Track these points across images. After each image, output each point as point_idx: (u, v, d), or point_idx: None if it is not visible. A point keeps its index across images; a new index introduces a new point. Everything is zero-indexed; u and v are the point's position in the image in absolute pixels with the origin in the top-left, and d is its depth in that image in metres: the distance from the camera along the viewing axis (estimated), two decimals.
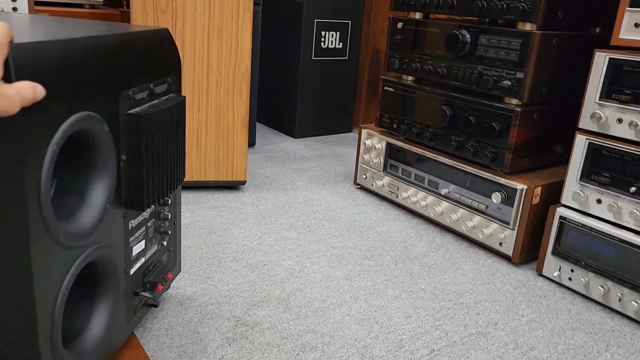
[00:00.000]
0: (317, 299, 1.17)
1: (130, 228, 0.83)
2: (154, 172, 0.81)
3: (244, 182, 1.74)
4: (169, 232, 0.98)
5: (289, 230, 1.50)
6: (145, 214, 0.89)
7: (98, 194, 0.73)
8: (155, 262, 0.96)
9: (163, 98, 0.88)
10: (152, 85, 0.84)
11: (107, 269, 0.78)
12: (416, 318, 1.13)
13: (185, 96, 0.96)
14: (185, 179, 1.67)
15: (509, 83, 1.35)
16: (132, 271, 0.87)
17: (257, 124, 2.57)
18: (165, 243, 0.99)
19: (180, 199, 1.04)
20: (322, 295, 1.18)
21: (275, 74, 2.49)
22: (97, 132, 0.70)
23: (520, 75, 1.32)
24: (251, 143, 2.24)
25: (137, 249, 0.87)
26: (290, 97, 2.43)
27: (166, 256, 1.01)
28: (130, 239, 0.84)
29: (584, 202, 1.24)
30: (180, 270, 1.07)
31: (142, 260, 0.90)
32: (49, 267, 0.62)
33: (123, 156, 0.77)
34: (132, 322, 0.91)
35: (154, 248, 0.94)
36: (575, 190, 1.24)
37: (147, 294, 0.92)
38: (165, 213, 0.96)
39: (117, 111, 0.74)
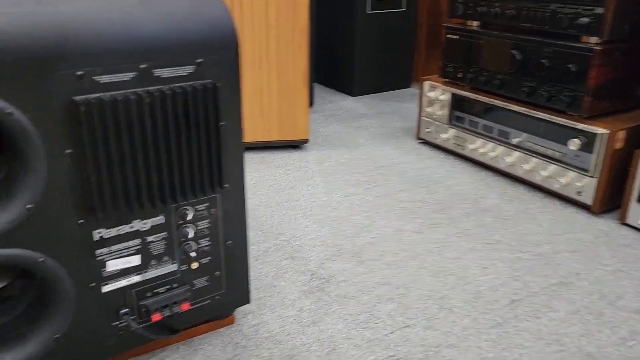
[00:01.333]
0: (389, 252, 1.16)
1: (96, 238, 0.71)
2: (110, 173, 0.68)
3: (306, 141, 1.73)
4: (192, 252, 0.79)
5: (355, 186, 1.49)
6: (141, 224, 0.75)
7: (14, 192, 0.64)
8: (172, 285, 0.80)
9: (176, 85, 0.71)
10: (144, 66, 0.68)
11: (46, 279, 0.69)
12: (493, 269, 1.10)
13: (215, 83, 0.73)
14: (249, 140, 1.69)
15: (587, 20, 1.26)
16: (105, 288, 0.74)
17: (315, 84, 2.54)
18: (195, 265, 0.81)
19: (243, 217, 0.84)
20: (394, 249, 1.17)
21: (331, 32, 2.44)
22: (1, 120, 0.60)
23: (599, 10, 1.23)
24: (310, 103, 2.23)
25: (118, 263, 0.74)
26: (347, 55, 2.38)
27: (205, 281, 0.84)
28: (98, 251, 0.72)
29: None
30: (248, 301, 0.89)
31: (135, 278, 0.77)
32: None
33: (68, 150, 0.65)
34: (114, 345, 0.78)
35: (168, 267, 0.79)
36: None
37: (129, 321, 0.77)
38: (186, 228, 0.79)
39: (48, 96, 0.62)
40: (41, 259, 0.67)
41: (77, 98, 0.64)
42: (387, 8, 2.34)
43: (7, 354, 0.70)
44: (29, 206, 0.65)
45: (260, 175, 1.54)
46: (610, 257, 1.15)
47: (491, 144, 1.54)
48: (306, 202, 1.38)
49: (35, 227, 0.66)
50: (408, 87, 2.56)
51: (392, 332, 0.91)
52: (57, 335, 0.72)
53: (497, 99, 1.51)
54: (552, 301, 1.00)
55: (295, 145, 1.77)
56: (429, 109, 1.73)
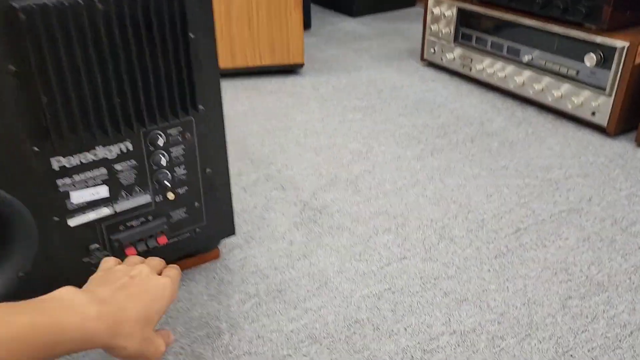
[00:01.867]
0: (388, 180, 1.08)
1: (56, 167, 0.64)
2: (63, 93, 0.61)
3: (301, 65, 1.62)
4: (166, 182, 0.72)
5: (353, 112, 1.39)
6: (106, 151, 0.67)
7: None
8: (147, 217, 0.74)
9: None
10: None
11: (3, 214, 0.63)
12: (498, 196, 1.03)
13: None
14: (240, 65, 1.58)
15: None
16: (72, 222, 0.68)
17: (312, 5, 2.38)
18: (171, 196, 0.75)
19: (222, 142, 0.76)
20: (392, 177, 1.10)
21: None
22: None
23: None
24: (307, 25, 2.08)
25: (84, 195, 0.68)
26: None
27: (184, 212, 0.77)
28: (59, 181, 0.65)
29: None
30: (233, 233, 0.84)
31: (105, 211, 0.70)
32: None
33: (12, 66, 0.57)
34: (82, 284, 0.67)
35: (141, 198, 0.72)
36: None
37: (95, 255, 0.72)
38: (158, 155, 0.71)
39: None
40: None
41: (16, 4, 0.55)
42: None
43: None
44: None
45: (251, 103, 1.45)
46: (625, 180, 1.07)
47: (500, 62, 1.43)
48: (300, 130, 1.30)
49: None
50: (413, 5, 2.39)
51: (388, 265, 0.86)
52: (21, 273, 0.67)
53: (507, 13, 1.38)
54: (560, 228, 0.93)
55: (289, 70, 1.66)
56: (433, 27, 1.60)
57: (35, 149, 0.62)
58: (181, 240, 0.79)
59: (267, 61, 1.59)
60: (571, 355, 0.69)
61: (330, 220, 0.97)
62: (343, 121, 1.34)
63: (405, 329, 0.73)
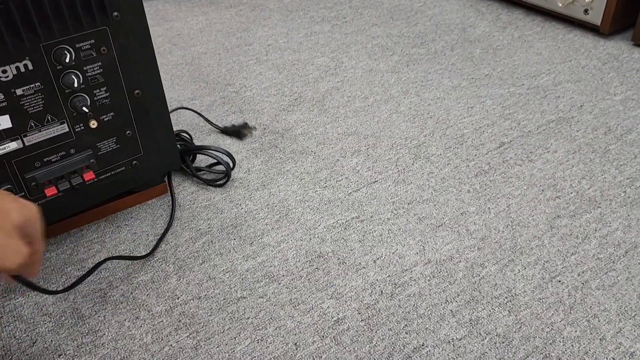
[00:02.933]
0: (358, 97, 0.97)
1: None
2: None
3: None
4: (85, 108, 0.61)
5: (320, 23, 1.25)
6: (0, 73, 0.55)
7: None
8: (68, 150, 0.63)
9: None
10: None
11: None
12: (480, 109, 0.92)
13: None
14: None
15: None
16: None
17: None
18: (94, 124, 0.64)
19: (152, 57, 0.65)
20: (363, 93, 0.98)
21: None
22: None
23: None
24: None
25: None
26: None
27: (114, 142, 0.66)
28: None
29: None
30: (178, 164, 0.74)
31: (12, 145, 0.59)
32: None
33: None
34: None
35: (56, 129, 0.61)
36: None
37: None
38: (69, 75, 0.59)
39: None
40: None
41: None
42: None
43: None
44: None
45: (208, 19, 1.30)
46: (620, 84, 0.96)
47: None
48: (261, 46, 1.16)
49: None
50: None
51: (356, 190, 0.76)
52: None
53: None
54: (549, 140, 0.84)
55: None
56: None
57: None
58: (115, 174, 0.69)
59: None
60: (559, 281, 0.62)
61: (293, 144, 0.86)
62: (309, 34, 1.20)
63: (375, 262, 0.65)
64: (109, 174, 0.68)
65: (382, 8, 1.31)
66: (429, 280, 0.63)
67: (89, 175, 0.65)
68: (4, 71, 0.55)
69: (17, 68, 0.56)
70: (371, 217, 0.72)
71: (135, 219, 0.74)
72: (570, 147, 0.82)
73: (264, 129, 0.90)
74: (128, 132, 0.67)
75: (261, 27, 1.25)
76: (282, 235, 0.70)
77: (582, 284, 0.61)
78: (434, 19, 1.24)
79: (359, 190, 0.77)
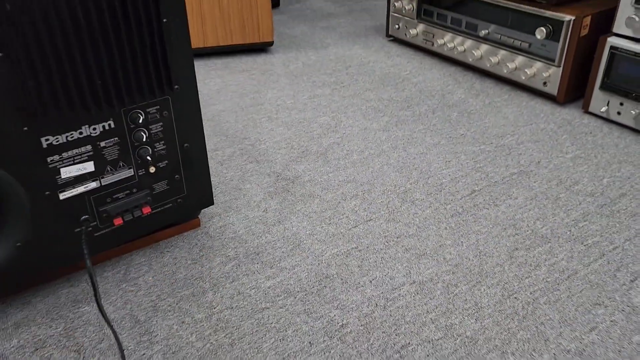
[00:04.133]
0: (355, 151, 1.16)
1: (45, 145, 0.70)
2: (47, 75, 0.66)
3: (271, 43, 1.67)
4: (147, 156, 0.78)
5: (322, 87, 1.46)
6: (91, 130, 0.72)
7: None
8: (132, 190, 0.80)
9: None
10: None
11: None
12: (456, 162, 1.11)
13: None
14: (211, 44, 1.63)
15: None
16: (62, 196, 0.74)
17: None
18: (153, 169, 0.81)
19: (198, 119, 0.83)
20: (359, 147, 1.18)
21: None
22: None
23: None
24: (275, 3, 2.13)
25: (72, 170, 0.73)
26: None
27: (165, 184, 0.83)
28: (49, 158, 0.71)
29: (639, 27, 1.13)
30: (211, 203, 0.91)
31: (92, 184, 0.76)
32: None
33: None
34: (78, 252, 0.79)
35: (125, 172, 0.78)
36: (629, 16, 1.13)
37: (83, 228, 0.76)
38: (139, 132, 0.77)
39: None
40: None
41: None
42: None
43: None
44: None
45: (224, 81, 1.50)
46: (571, 144, 1.17)
47: (460, 37, 1.51)
48: (271, 106, 1.36)
49: None
50: None
51: (355, 227, 0.94)
52: (18, 244, 0.73)
53: None
54: (511, 189, 1.02)
55: (259, 48, 1.71)
56: (397, 4, 1.66)
57: (25, 128, 0.68)
58: (164, 210, 0.86)
59: (237, 40, 1.63)
60: (516, 298, 0.79)
61: (302, 189, 1.04)
62: (312, 96, 1.41)
63: (371, 282, 0.82)
64: (160, 209, 0.85)
65: (375, 75, 1.53)
66: (413, 296, 0.79)
67: (146, 210, 0.82)
68: (94, 129, 0.73)
69: (103, 127, 0.74)
70: (367, 247, 0.89)
71: (174, 247, 0.90)
72: (529, 194, 1.01)
73: (278, 176, 1.08)
74: (177, 176, 0.85)
75: (270, 89, 1.45)
76: (296, 261, 0.87)
77: (533, 300, 0.78)
78: (418, 86, 1.46)
79: (357, 226, 0.94)
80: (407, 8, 1.63)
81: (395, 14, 1.69)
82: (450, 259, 0.86)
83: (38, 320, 0.77)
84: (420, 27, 1.62)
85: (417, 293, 0.80)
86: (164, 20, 0.73)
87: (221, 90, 1.45)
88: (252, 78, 1.52)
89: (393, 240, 0.90)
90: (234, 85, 1.48)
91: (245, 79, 1.52)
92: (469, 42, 1.48)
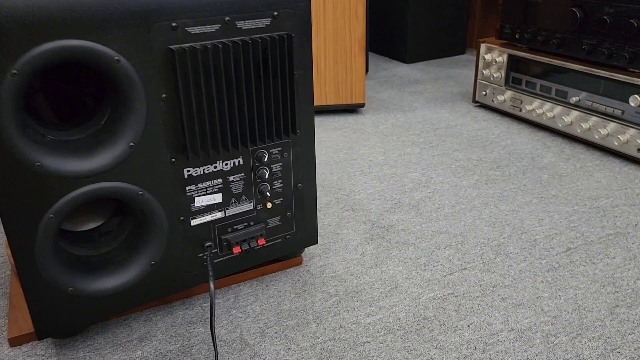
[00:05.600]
0: (447, 205, 1.20)
1: (186, 176, 0.80)
2: (199, 117, 0.76)
3: (362, 105, 1.78)
4: (267, 193, 0.87)
5: (411, 146, 1.53)
6: (223, 165, 0.82)
7: (119, 132, 0.73)
8: (249, 222, 0.89)
9: (256, 36, 0.77)
10: (228, 19, 0.75)
11: (144, 211, 0.78)
12: (549, 221, 1.13)
13: (290, 34, 0.79)
14: None
15: None
16: (193, 222, 0.83)
17: (368, 52, 2.57)
18: (270, 205, 0.89)
19: (313, 163, 0.91)
20: (450, 202, 1.22)
21: (383, 0, 2.46)
22: (108, 67, 0.68)
23: None
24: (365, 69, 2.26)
25: (204, 200, 0.83)
26: (400, 22, 2.39)
27: (278, 220, 0.91)
28: (188, 187, 0.81)
29: None
30: (315, 242, 0.97)
31: (218, 214, 0.85)
32: (24, 190, 0.69)
33: (164, 94, 0.74)
34: (199, 275, 0.87)
35: (246, 206, 0.87)
36: None
37: (207, 253, 0.85)
38: (262, 170, 0.86)
39: (148, 45, 0.70)
40: (140, 193, 0.76)
41: (173, 47, 0.72)
42: None
43: (112, 277, 0.80)
44: (131, 144, 0.73)
45: (318, 137, 1.61)
46: None
47: (549, 104, 1.55)
48: (364, 161, 1.44)
49: (136, 164, 0.75)
50: (462, 53, 2.55)
51: (450, 274, 0.97)
52: (152, 262, 0.82)
53: (555, 59, 1.51)
54: (608, 249, 1.02)
55: (351, 109, 1.83)
56: (485, 72, 1.74)
57: (173, 160, 0.78)
58: (275, 244, 0.93)
59: (331, 101, 1.76)
60: (619, 352, 0.78)
61: (396, 237, 1.09)
62: (403, 154, 1.48)
63: (468, 326, 0.84)
64: (271, 242, 0.93)
65: (462, 137, 1.58)
66: (512, 342, 0.81)
67: (261, 242, 0.89)
68: (227, 164, 0.83)
69: (234, 163, 0.84)
70: (463, 294, 0.92)
71: (279, 281, 0.97)
72: (627, 255, 1.00)
73: (372, 224, 1.14)
74: (288, 213, 0.92)
75: (362, 146, 1.54)
76: (393, 301, 0.90)
77: (638, 356, 0.77)
78: (506, 149, 1.49)
79: (452, 274, 0.97)
80: (495, 76, 1.70)
81: (483, 81, 1.76)
82: (549, 310, 0.87)
83: (159, 336, 0.84)
84: (508, 93, 1.67)
85: (516, 340, 0.81)
86: (295, 73, 0.83)
87: (316, 145, 1.55)
88: (344, 135, 1.62)
89: (489, 289, 0.92)
90: (327, 142, 1.58)
91: (338, 136, 1.62)
92: (558, 109, 1.52)
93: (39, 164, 0.68)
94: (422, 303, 0.90)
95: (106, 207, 0.87)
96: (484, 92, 1.77)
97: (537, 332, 0.83)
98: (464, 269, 0.98)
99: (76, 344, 0.83)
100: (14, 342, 0.83)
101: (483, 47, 1.73)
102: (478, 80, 1.78)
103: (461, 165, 1.40)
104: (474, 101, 1.83)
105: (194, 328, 0.86)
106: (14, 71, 0.63)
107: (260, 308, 0.90)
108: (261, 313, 0.89)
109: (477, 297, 0.91)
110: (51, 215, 0.71)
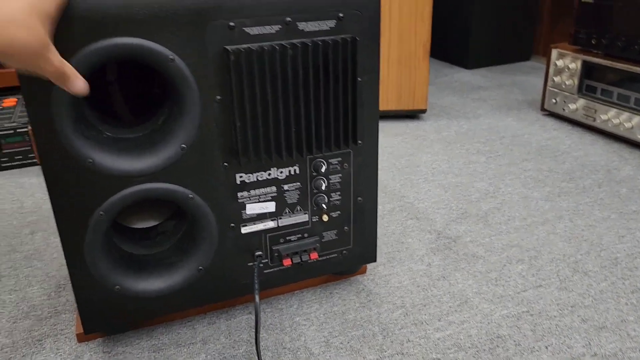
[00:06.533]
0: (517, 217, 1.15)
1: (238, 181, 0.77)
2: (253, 120, 0.73)
3: (424, 111, 1.74)
4: (323, 204, 0.84)
5: (476, 154, 1.47)
6: (278, 173, 0.79)
7: (172, 132, 0.71)
8: (303, 234, 0.85)
9: (318, 38, 0.74)
10: (289, 19, 0.72)
11: (194, 214, 0.77)
12: (631, 238, 1.05)
13: (355, 38, 0.75)
14: None
15: None
16: (244, 230, 0.81)
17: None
18: (326, 218, 0.85)
19: (375, 176, 0.86)
20: (521, 214, 1.16)
21: (446, 4, 2.40)
22: (163, 66, 0.67)
23: None
24: None
25: (256, 208, 0.80)
26: (462, 27, 2.33)
27: (334, 234, 0.87)
28: (239, 194, 0.78)
29: None
30: (374, 260, 0.92)
31: (270, 224, 0.82)
32: (75, 186, 0.69)
33: (218, 96, 0.72)
34: (248, 284, 0.85)
35: (300, 217, 0.84)
36: None
37: (256, 262, 0.82)
38: (319, 180, 0.82)
39: (203, 44, 0.68)
40: (191, 196, 0.74)
41: (229, 47, 0.69)
42: None
43: (158, 279, 0.79)
44: (183, 146, 0.71)
45: (380, 143, 1.58)
46: None
47: (626, 113, 1.46)
48: (427, 168, 1.40)
49: (188, 167, 0.73)
50: (527, 59, 2.46)
51: (524, 291, 0.92)
52: (200, 267, 0.80)
53: (636, 66, 1.42)
54: None
55: (411, 115, 1.78)
56: (556, 79, 1.66)
57: (225, 164, 0.76)
58: (329, 259, 0.89)
59: (392, 106, 1.72)
60: None
61: (464, 248, 1.04)
62: (467, 163, 1.43)
63: (547, 347, 0.79)
64: (325, 257, 0.89)
65: (531, 147, 1.51)
66: None
67: (314, 256, 0.86)
68: (281, 172, 0.80)
69: (289, 171, 0.81)
70: (539, 313, 0.86)
71: (342, 290, 0.94)
72: None
73: (438, 234, 1.10)
74: (346, 228, 0.88)
75: (425, 154, 1.49)
76: (464, 317, 0.86)
77: None
78: (579, 160, 1.41)
79: (526, 290, 0.92)
80: (567, 83, 1.62)
81: (553, 89, 1.68)
82: (635, 336, 0.80)
83: (222, 340, 0.83)
84: (581, 102, 1.59)
85: None
86: (359, 79, 0.79)
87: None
88: (405, 142, 1.58)
89: (567, 309, 0.87)
90: (389, 147, 1.54)
91: (399, 142, 1.58)
92: (637, 119, 1.43)
93: (90, 160, 0.68)
94: (495, 320, 0.85)
95: (165, 208, 0.87)
96: (553, 100, 1.69)
97: (624, 359, 0.76)
98: (539, 285, 0.93)
99: (141, 342, 0.83)
100: (82, 337, 0.83)
101: (555, 52, 1.65)
102: (548, 88, 1.70)
103: (531, 175, 1.34)
104: (543, 109, 1.75)
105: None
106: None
107: (324, 316, 0.87)
108: (325, 322, 0.86)
109: (555, 317, 0.85)
110: (101, 213, 0.71)
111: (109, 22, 0.63)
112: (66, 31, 0.61)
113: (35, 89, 0.63)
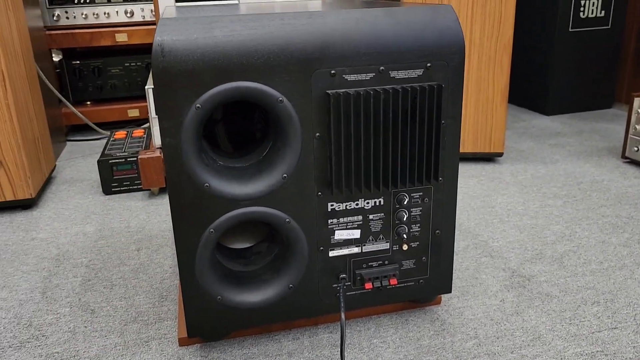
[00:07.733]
0: (593, 261, 1.16)
1: (329, 209, 0.86)
2: (346, 156, 0.82)
3: (500, 154, 1.77)
4: (404, 235, 0.91)
5: (553, 198, 1.49)
6: (365, 203, 0.88)
7: (275, 163, 0.82)
8: (384, 261, 0.92)
9: (407, 85, 0.82)
10: (382, 68, 0.81)
11: (289, 237, 0.86)
12: None
13: (441, 85, 0.83)
14: None
15: None
16: (331, 253, 0.89)
17: None
18: (405, 247, 0.93)
19: (453, 211, 0.93)
20: (598, 258, 1.17)
21: (526, 49, 2.44)
22: (272, 106, 0.78)
23: None
24: None
25: (343, 234, 0.88)
26: (542, 73, 2.35)
27: (412, 263, 0.94)
28: (330, 220, 0.87)
29: None
30: (449, 291, 0.97)
31: (355, 249, 0.90)
32: (193, 205, 0.81)
33: (317, 133, 0.81)
34: (329, 305, 0.92)
35: (382, 245, 0.91)
36: None
37: (340, 284, 0.90)
38: (401, 212, 0.90)
39: (308, 89, 0.79)
40: (288, 220, 0.84)
41: (330, 91, 0.80)
42: (590, 26, 2.27)
43: (254, 293, 0.88)
44: (284, 175, 0.82)
45: None
46: None
47: None
48: (502, 210, 1.43)
49: (286, 194, 0.83)
50: (609, 107, 2.43)
51: (599, 331, 0.93)
52: (291, 285, 0.89)
53: None
54: None
55: (488, 158, 1.82)
56: (638, 126, 1.65)
57: (320, 193, 0.86)
58: (407, 287, 0.95)
59: (469, 149, 1.77)
60: None
61: (538, 287, 1.07)
62: (543, 206, 1.45)
63: None
64: (403, 284, 0.96)
65: (610, 193, 1.51)
66: None
67: (393, 282, 0.93)
68: (368, 203, 0.88)
69: (375, 202, 0.89)
70: (614, 354, 0.88)
71: (417, 317, 0.99)
72: None
73: (512, 272, 1.13)
74: (424, 258, 0.95)
75: (500, 195, 1.53)
76: (536, 351, 0.89)
77: None
78: None
79: (601, 331, 0.93)
80: None
81: (635, 137, 1.68)
82: None
83: (306, 354, 0.91)
84: None
85: None
86: (443, 122, 0.87)
87: None
88: (481, 183, 1.62)
89: None
90: (465, 188, 1.59)
91: (475, 183, 1.63)
92: None
93: (207, 184, 0.80)
94: (568, 357, 0.87)
95: (259, 231, 0.97)
96: (635, 148, 1.68)
97: None
98: (615, 327, 0.94)
99: (233, 351, 0.92)
100: (183, 342, 0.94)
101: (637, 101, 1.65)
102: (629, 135, 1.70)
103: (609, 221, 1.34)
104: (624, 157, 1.74)
105: (337, 351, 0.91)
106: (198, 105, 0.76)
107: (400, 340, 0.93)
108: (401, 345, 0.92)
109: (631, 358, 0.86)
110: (212, 230, 0.82)
111: (232, 68, 0.76)
112: (197, 74, 0.75)
113: (168, 124, 0.76)
